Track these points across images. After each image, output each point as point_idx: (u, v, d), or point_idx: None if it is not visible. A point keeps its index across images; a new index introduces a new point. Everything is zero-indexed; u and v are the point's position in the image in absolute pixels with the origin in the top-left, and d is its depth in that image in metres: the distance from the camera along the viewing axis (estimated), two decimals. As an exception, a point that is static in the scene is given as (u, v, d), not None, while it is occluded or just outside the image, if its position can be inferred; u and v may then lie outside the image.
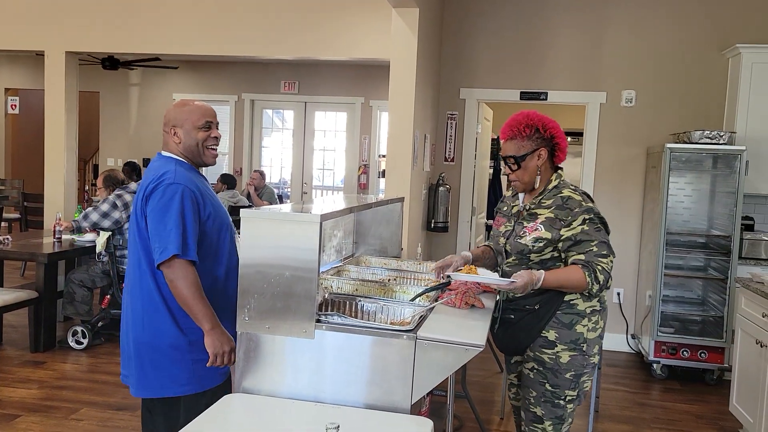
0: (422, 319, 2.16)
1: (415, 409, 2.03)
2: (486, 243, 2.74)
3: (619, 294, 5.39)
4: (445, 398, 3.23)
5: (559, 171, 2.40)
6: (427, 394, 2.20)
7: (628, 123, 5.36)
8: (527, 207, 2.38)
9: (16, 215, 9.10)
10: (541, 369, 2.31)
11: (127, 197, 4.73)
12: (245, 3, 5.64)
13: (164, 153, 2.31)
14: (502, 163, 2.46)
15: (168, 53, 6.11)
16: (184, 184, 2.17)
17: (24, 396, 3.82)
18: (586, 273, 2.21)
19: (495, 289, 2.49)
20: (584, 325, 2.30)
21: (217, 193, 7.15)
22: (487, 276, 2.42)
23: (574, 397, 2.32)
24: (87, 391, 3.95)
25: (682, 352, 4.71)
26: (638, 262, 5.38)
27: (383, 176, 9.03)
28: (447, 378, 2.62)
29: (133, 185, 4.85)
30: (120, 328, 2.34)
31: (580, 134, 5.84)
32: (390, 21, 4.44)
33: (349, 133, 9.88)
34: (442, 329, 2.06)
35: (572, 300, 2.30)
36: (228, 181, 7.18)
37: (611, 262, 2.25)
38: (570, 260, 2.26)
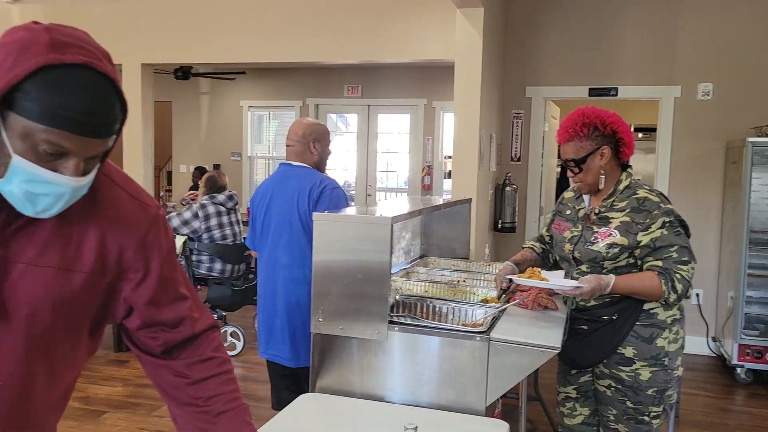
0: (494, 320, 2.14)
1: (489, 412, 2.01)
2: (528, 245, 2.60)
3: (698, 295, 5.17)
4: (517, 401, 3.19)
5: (629, 169, 2.24)
6: (500, 397, 2.18)
7: (705, 117, 5.14)
8: (597, 211, 2.23)
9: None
10: (620, 387, 2.17)
11: (210, 209, 4.89)
12: (310, 10, 5.74)
13: (299, 163, 2.78)
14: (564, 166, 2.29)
15: (236, 62, 6.30)
16: (340, 187, 2.76)
17: (109, 393, 4.01)
18: (663, 281, 2.07)
19: (561, 296, 2.37)
20: (665, 338, 2.15)
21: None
22: (551, 281, 2.23)
23: (659, 413, 2.18)
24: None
25: (768, 355, 4.48)
26: (719, 262, 5.15)
27: (449, 177, 9.00)
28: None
29: (220, 197, 5.00)
30: (270, 314, 2.77)
31: (653, 130, 5.65)
32: (453, 22, 4.43)
33: (413, 135, 9.90)
34: (515, 331, 2.03)
35: (652, 309, 2.15)
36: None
37: (692, 269, 2.10)
38: (646, 266, 2.13)
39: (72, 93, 0.94)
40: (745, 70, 5.04)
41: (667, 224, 2.10)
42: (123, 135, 4.89)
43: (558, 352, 1.93)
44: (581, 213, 2.29)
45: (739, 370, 4.58)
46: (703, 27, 5.10)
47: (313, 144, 2.79)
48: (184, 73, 8.71)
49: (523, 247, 2.60)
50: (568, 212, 2.37)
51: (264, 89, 10.41)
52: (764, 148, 4.50)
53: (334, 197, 2.66)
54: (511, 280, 2.33)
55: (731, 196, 4.88)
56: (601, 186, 2.19)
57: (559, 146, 2.28)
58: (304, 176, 2.73)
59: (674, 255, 2.08)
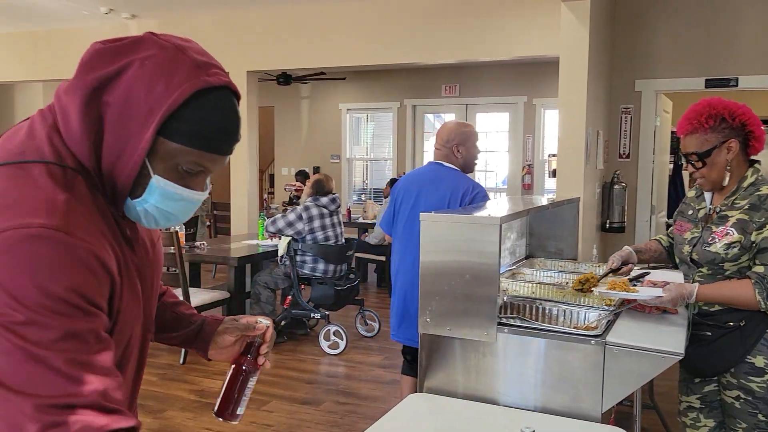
0: (609, 323, 2.05)
1: (605, 419, 1.94)
2: (656, 237, 2.52)
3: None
4: (630, 408, 3.05)
5: (756, 165, 2.08)
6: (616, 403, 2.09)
7: (839, 106, 4.70)
8: (717, 209, 2.09)
9: (207, 222, 10.08)
10: (750, 399, 2.02)
11: (314, 211, 5.02)
12: (407, 12, 5.76)
13: (448, 164, 2.97)
14: (683, 160, 2.15)
15: (335, 65, 6.42)
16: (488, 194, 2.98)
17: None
18: (758, 290, 1.91)
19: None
20: None
21: (384, 197, 7.38)
22: (639, 291, 2.13)
23: None
24: (274, 385, 4.25)
25: None
26: None
27: (552, 176, 8.77)
28: (635, 387, 2.46)
29: (323, 199, 5.12)
30: (404, 299, 2.93)
31: (777, 121, 5.23)
32: (556, 15, 4.31)
33: (512, 133, 9.72)
34: (633, 335, 1.94)
35: None
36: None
37: None
38: (748, 272, 1.97)
39: (220, 116, 0.97)
40: None
41: None
42: None
43: (681, 358, 1.83)
44: (701, 213, 2.16)
45: None
46: (836, 8, 4.68)
47: (456, 148, 2.96)
48: (285, 78, 9.00)
49: (652, 239, 2.48)
50: (690, 212, 2.24)
51: (362, 91, 10.57)
52: None
53: (485, 198, 2.89)
54: (623, 263, 2.30)
55: None
56: (725, 183, 2.04)
57: (679, 139, 2.15)
58: (457, 180, 2.92)
59: None
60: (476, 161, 3.09)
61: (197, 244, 5.35)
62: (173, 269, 4.71)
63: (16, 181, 0.89)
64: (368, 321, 5.49)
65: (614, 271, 2.40)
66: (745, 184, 2.04)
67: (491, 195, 10.50)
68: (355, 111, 10.88)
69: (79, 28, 6.99)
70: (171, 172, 0.97)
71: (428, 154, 10.38)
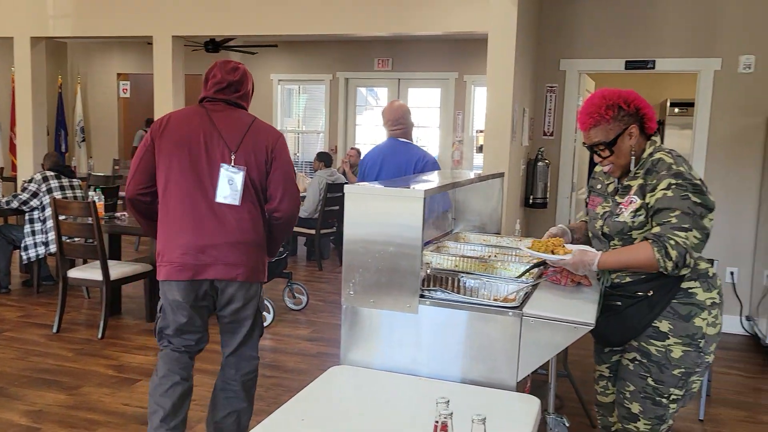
0: (527, 296, 2.12)
1: (520, 388, 2.00)
2: (584, 218, 2.61)
3: (733, 273, 5.07)
4: (546, 377, 3.17)
5: (653, 138, 2.17)
6: (530, 373, 2.17)
7: (746, 91, 4.98)
8: (623, 183, 2.17)
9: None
10: (645, 361, 2.09)
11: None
12: (341, -19, 5.67)
13: (402, 139, 3.68)
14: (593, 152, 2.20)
15: (266, 34, 6.27)
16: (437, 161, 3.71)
17: (142, 362, 4.10)
18: (655, 249, 1.96)
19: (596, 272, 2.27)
20: (704, 319, 2.06)
21: (314, 171, 7.31)
22: (546, 254, 2.20)
23: (680, 397, 2.09)
24: (198, 359, 4.17)
25: (805, 336, 4.39)
26: (755, 240, 5.03)
27: (480, 151, 8.92)
28: (550, 357, 2.56)
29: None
30: None
31: (690, 105, 5.50)
32: (487, -8, 4.34)
33: (443, 109, 9.80)
34: (548, 307, 2.01)
35: (691, 288, 2.06)
36: (324, 159, 7.31)
37: (695, 238, 1.95)
38: (647, 233, 2.04)
39: None
40: (791, 42, 4.86)
41: (674, 186, 1.99)
42: (154, 108, 5.07)
43: (592, 328, 1.91)
44: (611, 188, 2.24)
45: (774, 350, 4.50)
46: (746, -3, 4.92)
47: (405, 125, 3.70)
48: (214, 45, 8.72)
49: (580, 220, 2.55)
50: (599, 186, 2.31)
51: (294, 62, 10.38)
52: (808, 124, 4.35)
53: (435, 169, 3.47)
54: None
55: (771, 172, 4.75)
56: (633, 167, 2.13)
57: (583, 133, 2.21)
58: (413, 150, 3.64)
59: (673, 221, 1.96)
60: (412, 132, 3.80)
61: (118, 214, 5.15)
62: (90, 241, 4.53)
63: None
64: (296, 294, 5.47)
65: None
66: (645, 155, 2.13)
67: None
68: (286, 82, 10.69)
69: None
70: None
71: (361, 128, 10.35)
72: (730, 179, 5.04)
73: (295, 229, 7.06)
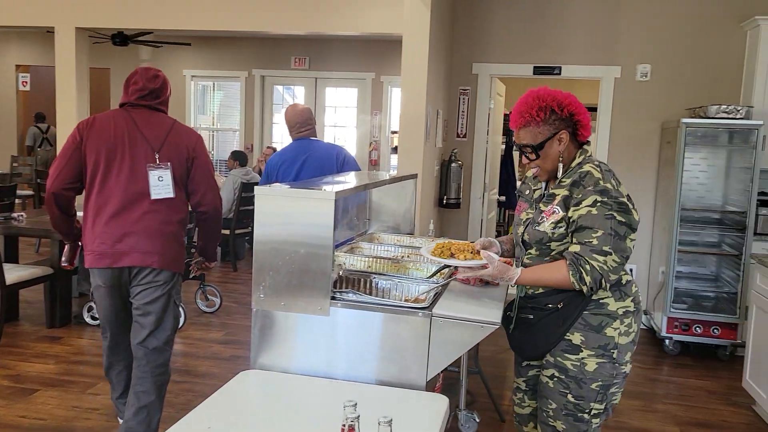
0: (437, 296, 2.16)
1: (430, 386, 2.04)
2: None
3: (631, 270, 5.37)
4: (458, 374, 3.25)
5: (584, 146, 2.08)
6: (441, 371, 2.21)
7: (643, 98, 5.29)
8: (549, 190, 2.10)
9: (29, 192, 9.17)
10: (563, 377, 2.01)
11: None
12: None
13: (314, 138, 3.72)
14: (517, 152, 2.16)
15: (178, 29, 6.07)
16: None
17: (41, 371, 3.88)
18: (571, 272, 1.91)
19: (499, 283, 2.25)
20: (615, 328, 1.99)
21: (229, 170, 7.16)
22: (465, 262, 2.14)
23: (601, 411, 2.03)
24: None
25: (695, 328, 4.70)
26: (651, 239, 5.35)
27: (395, 152, 9.00)
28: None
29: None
30: None
31: (593, 109, 5.77)
32: (402, -5, 4.38)
33: (360, 109, 9.83)
34: (457, 307, 2.05)
35: (602, 299, 2.00)
36: (239, 158, 7.18)
37: (613, 261, 1.90)
38: (565, 252, 1.97)
39: None
40: (682, 53, 5.19)
41: (599, 204, 1.91)
42: (56, 102, 4.83)
43: (497, 327, 1.96)
44: (537, 194, 2.15)
45: (667, 341, 4.79)
46: (643, 8, 5.22)
47: (312, 125, 3.77)
48: (122, 39, 8.36)
49: (510, 234, 2.44)
50: (527, 192, 2.22)
51: (208, 59, 10.12)
52: (697, 129, 4.67)
53: (353, 160, 3.69)
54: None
55: (665, 175, 5.06)
56: (560, 174, 2.04)
57: (514, 131, 2.13)
58: (331, 147, 3.78)
59: (594, 242, 1.90)
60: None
61: (14, 215, 4.85)
62: (-16, 244, 4.24)
63: None
64: (209, 296, 5.33)
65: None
66: (573, 164, 2.05)
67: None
68: (200, 78, 10.40)
69: None
70: None
71: (278, 126, 10.22)
72: (629, 181, 5.32)
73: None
